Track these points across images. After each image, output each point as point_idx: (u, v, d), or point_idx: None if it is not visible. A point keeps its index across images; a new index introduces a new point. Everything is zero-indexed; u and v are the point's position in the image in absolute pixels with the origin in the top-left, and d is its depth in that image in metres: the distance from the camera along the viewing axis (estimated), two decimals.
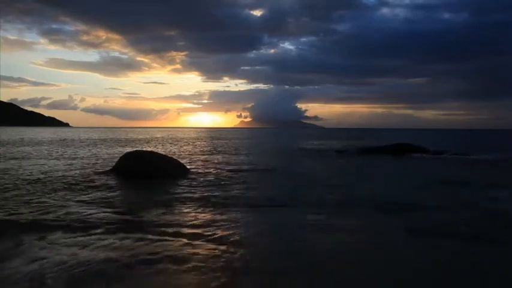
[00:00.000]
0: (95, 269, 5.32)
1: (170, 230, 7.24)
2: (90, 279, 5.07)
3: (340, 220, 8.21)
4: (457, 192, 11.72)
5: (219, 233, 7.10)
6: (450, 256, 6.09)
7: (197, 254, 5.98)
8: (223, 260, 5.71)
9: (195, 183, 13.08)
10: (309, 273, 5.31)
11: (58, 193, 10.92)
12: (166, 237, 6.79)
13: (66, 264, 5.46)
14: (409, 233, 7.25)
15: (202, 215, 8.59)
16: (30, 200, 9.92)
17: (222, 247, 6.27)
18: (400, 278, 5.22)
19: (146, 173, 14.14)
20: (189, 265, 5.50)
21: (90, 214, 8.47)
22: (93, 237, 6.80)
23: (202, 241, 6.60)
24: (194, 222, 7.90)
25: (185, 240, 6.62)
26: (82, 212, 8.63)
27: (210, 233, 7.04)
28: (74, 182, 12.95)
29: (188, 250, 6.15)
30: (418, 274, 5.34)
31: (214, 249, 6.20)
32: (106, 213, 8.57)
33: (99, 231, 7.16)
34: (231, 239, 6.70)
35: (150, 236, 6.82)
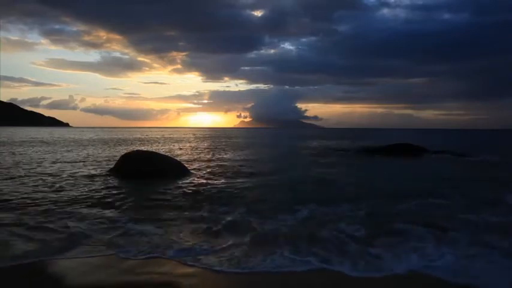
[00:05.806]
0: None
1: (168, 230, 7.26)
2: None
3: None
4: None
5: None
6: None
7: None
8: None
9: (194, 183, 13.07)
10: None
11: (56, 194, 10.91)
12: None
13: None
14: None
15: (200, 214, 8.60)
16: (31, 202, 9.92)
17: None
18: None
19: (146, 172, 14.12)
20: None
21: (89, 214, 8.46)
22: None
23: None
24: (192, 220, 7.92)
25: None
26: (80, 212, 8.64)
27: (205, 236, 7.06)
28: (73, 183, 12.94)
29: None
30: None
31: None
32: (104, 214, 8.59)
33: (93, 233, 7.18)
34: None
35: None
